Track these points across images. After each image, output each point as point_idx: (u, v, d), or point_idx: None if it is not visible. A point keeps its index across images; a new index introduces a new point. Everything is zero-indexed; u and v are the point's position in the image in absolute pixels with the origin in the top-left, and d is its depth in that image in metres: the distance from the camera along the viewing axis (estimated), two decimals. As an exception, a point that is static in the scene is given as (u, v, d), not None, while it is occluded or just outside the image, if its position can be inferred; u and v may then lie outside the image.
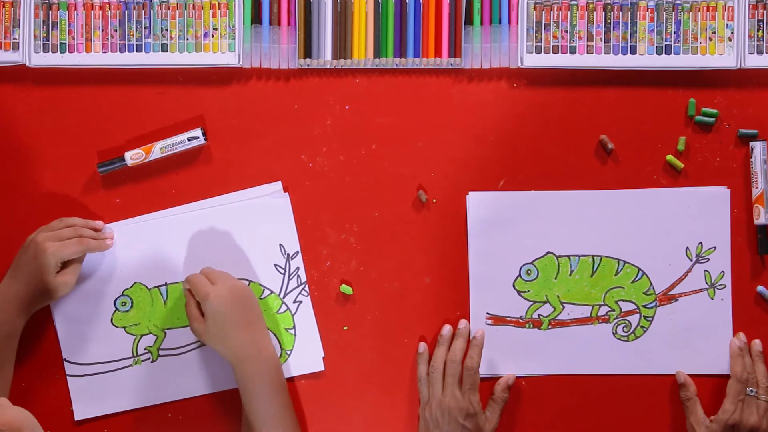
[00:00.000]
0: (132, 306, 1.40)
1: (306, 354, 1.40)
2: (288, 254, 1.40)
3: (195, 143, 1.39)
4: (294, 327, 1.40)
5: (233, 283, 1.33)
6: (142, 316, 1.40)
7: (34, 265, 1.32)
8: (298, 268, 1.40)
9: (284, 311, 1.40)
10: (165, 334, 1.40)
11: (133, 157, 1.38)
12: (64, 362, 1.39)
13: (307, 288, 1.40)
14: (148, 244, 1.40)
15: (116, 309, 1.40)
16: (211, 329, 1.31)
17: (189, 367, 1.40)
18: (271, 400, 1.30)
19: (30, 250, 1.33)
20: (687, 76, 1.40)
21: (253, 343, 1.32)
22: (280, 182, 1.40)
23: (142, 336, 1.40)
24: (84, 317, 1.39)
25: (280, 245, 1.40)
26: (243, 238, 1.40)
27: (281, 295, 1.40)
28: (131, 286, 1.40)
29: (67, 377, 1.40)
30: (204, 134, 1.39)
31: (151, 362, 1.40)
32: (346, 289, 1.39)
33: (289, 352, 1.40)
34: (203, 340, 1.34)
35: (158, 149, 1.38)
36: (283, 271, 1.40)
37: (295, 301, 1.40)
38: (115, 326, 1.40)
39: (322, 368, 1.40)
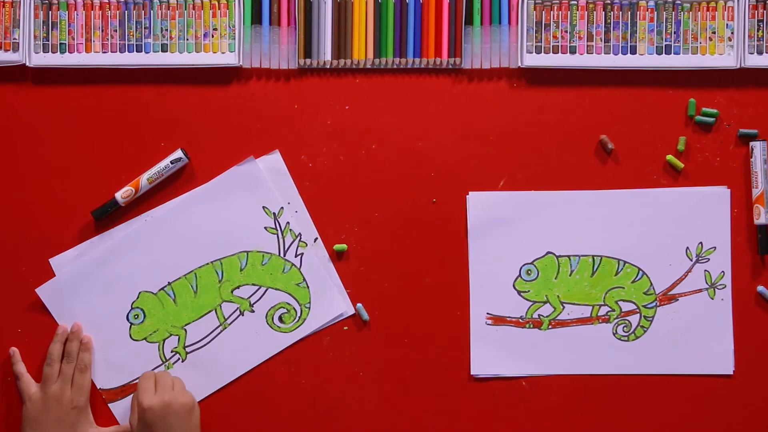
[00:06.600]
0: (145, 316, 1.39)
1: (326, 302, 1.40)
2: (274, 213, 1.40)
3: (180, 164, 1.38)
4: (304, 279, 1.40)
5: (172, 397, 1.32)
6: (158, 322, 1.39)
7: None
8: (288, 223, 1.40)
9: (289, 270, 1.40)
10: (185, 331, 1.39)
11: (123, 195, 1.37)
12: (101, 391, 1.39)
13: (304, 238, 1.40)
14: (140, 251, 1.39)
15: (131, 323, 1.39)
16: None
17: (221, 352, 1.39)
18: None
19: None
20: (687, 76, 1.40)
21: None
22: (251, 156, 1.40)
23: (164, 340, 1.39)
24: (102, 342, 1.39)
25: (263, 207, 1.40)
26: (227, 213, 1.39)
27: (281, 254, 1.40)
28: (137, 297, 1.39)
29: (108, 405, 1.40)
30: (186, 154, 1.38)
31: (182, 362, 1.39)
32: (340, 247, 1.39)
33: (308, 306, 1.39)
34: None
35: (146, 181, 1.37)
36: (275, 231, 1.40)
37: (296, 255, 1.40)
38: (135, 340, 1.39)
39: (352, 311, 1.40)
